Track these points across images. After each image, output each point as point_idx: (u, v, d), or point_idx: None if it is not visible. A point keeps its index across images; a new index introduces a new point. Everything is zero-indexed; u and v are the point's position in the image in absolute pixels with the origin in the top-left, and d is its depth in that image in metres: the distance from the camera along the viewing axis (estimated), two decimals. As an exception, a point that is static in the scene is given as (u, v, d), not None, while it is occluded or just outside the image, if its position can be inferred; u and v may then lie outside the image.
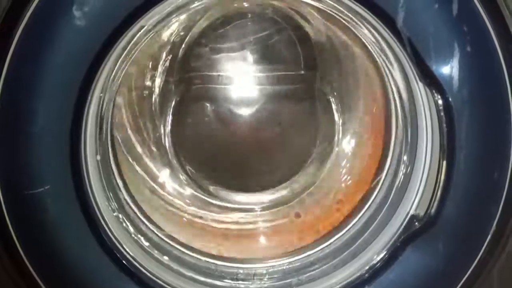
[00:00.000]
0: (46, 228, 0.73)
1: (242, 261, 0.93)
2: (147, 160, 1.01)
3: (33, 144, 0.71)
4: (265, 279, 0.90)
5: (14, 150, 0.71)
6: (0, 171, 0.72)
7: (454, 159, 0.74)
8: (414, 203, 0.82)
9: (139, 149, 0.99)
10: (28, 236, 0.73)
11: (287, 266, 0.92)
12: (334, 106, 1.02)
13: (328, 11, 0.84)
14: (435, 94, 0.73)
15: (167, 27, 0.91)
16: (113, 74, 0.79)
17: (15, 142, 0.71)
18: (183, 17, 0.90)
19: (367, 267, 0.82)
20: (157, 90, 1.01)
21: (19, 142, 0.71)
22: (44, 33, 0.68)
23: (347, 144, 1.02)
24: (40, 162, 0.72)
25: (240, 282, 0.88)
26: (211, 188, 1.04)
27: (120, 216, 0.85)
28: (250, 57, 1.01)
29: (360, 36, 0.85)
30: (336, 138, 1.02)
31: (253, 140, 1.04)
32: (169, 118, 1.02)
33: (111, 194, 0.84)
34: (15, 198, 0.72)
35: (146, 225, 0.91)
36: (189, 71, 1.01)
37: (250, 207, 1.04)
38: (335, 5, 0.78)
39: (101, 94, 0.78)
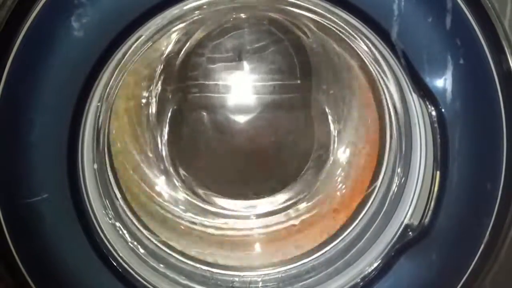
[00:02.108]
0: (43, 236, 0.74)
1: (237, 269, 0.93)
2: (144, 168, 1.01)
3: (31, 153, 0.71)
4: (260, 287, 0.90)
5: (11, 159, 0.72)
6: (-3, 180, 0.73)
7: (448, 170, 0.75)
8: (408, 212, 0.82)
9: (136, 157, 1.00)
10: (25, 244, 0.74)
11: (283, 274, 0.92)
12: (329, 116, 1.03)
13: (324, 23, 0.85)
14: (429, 106, 0.74)
15: (164, 37, 0.91)
16: (110, 83, 0.79)
17: (13, 151, 0.71)
18: (180, 27, 0.91)
19: (361, 276, 0.83)
20: (154, 99, 1.01)
21: (16, 151, 0.71)
22: (43, 44, 0.69)
23: (342, 153, 1.03)
24: (37, 171, 0.72)
25: (236, 290, 0.89)
26: (208, 195, 1.05)
27: (117, 224, 0.85)
28: (246, 67, 1.02)
29: (355, 48, 0.86)
30: (331, 147, 1.03)
31: (250, 148, 1.04)
32: (166, 127, 1.02)
33: (107, 202, 0.84)
34: (13, 207, 0.72)
35: (143, 233, 0.92)
36: (186, 80, 1.02)
37: (246, 215, 1.05)
38: (331, 17, 0.79)
39: (99, 103, 0.78)
